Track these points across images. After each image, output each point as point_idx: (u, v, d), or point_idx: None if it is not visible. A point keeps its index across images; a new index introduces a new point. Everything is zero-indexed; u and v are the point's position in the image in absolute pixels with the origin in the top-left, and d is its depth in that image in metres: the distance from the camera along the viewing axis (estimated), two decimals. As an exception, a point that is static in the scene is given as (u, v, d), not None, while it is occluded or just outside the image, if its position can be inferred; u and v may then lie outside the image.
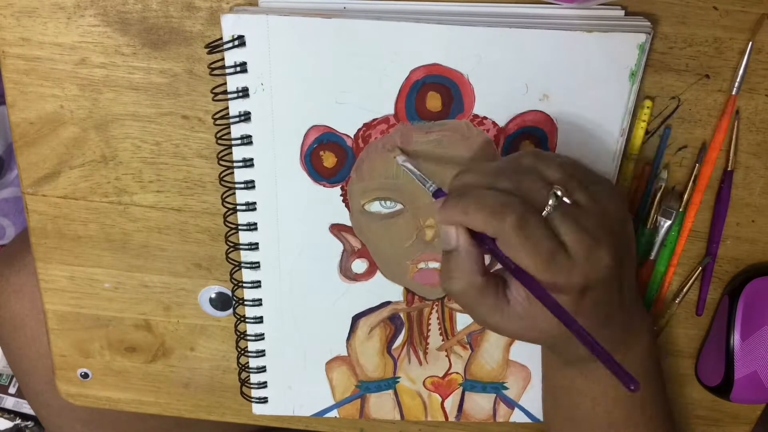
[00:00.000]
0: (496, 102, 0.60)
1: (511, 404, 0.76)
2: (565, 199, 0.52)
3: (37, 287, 0.75)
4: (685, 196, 0.66)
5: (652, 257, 0.69)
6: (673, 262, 0.69)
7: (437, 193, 0.57)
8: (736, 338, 0.69)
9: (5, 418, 1.28)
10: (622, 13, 0.59)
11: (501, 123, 0.61)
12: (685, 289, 0.70)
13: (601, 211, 0.53)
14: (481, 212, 0.51)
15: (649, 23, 0.58)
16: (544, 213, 0.51)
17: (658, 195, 0.66)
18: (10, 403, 1.29)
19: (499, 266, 0.54)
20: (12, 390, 1.29)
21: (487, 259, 0.56)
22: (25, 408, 1.29)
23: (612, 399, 0.61)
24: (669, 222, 0.67)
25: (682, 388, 0.76)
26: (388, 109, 0.61)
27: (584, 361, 0.59)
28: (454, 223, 0.54)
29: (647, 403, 0.63)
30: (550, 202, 0.51)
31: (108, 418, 0.91)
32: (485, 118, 0.61)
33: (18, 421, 1.28)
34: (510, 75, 0.59)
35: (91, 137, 0.66)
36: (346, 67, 0.59)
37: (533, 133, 0.61)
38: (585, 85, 0.59)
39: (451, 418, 0.77)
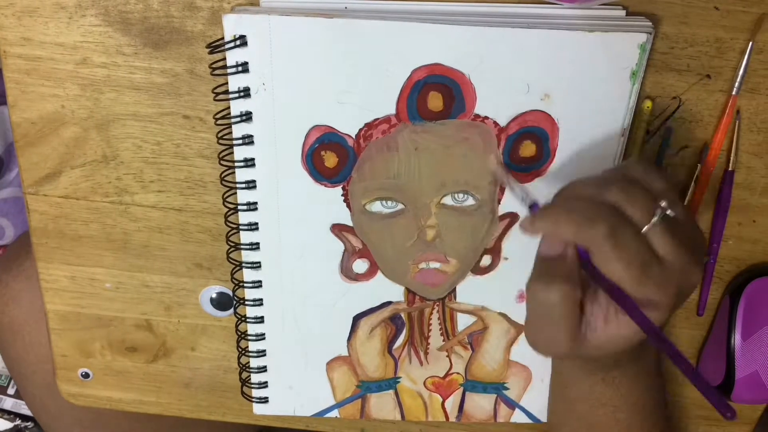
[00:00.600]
0: (497, 102, 0.60)
1: (512, 404, 0.76)
2: (669, 212, 0.51)
3: (36, 293, 0.75)
4: (687, 196, 0.66)
5: None
6: None
7: (533, 207, 0.57)
8: (737, 338, 0.69)
9: (5, 419, 1.27)
10: (623, 13, 0.59)
11: (502, 123, 0.61)
12: None
13: (694, 227, 0.54)
14: (573, 222, 0.51)
15: (650, 23, 0.58)
16: (649, 225, 0.50)
17: None
18: (9, 404, 1.29)
19: None
20: (11, 391, 1.29)
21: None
22: (24, 409, 1.28)
23: (631, 405, 0.61)
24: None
25: (683, 387, 0.76)
26: (390, 108, 0.61)
27: (608, 368, 0.58)
28: (544, 232, 0.54)
29: (659, 406, 0.64)
30: (657, 213, 0.51)
31: (106, 422, 0.91)
32: (486, 117, 0.61)
33: (18, 422, 1.28)
34: (511, 75, 0.59)
35: (92, 137, 0.66)
36: (348, 67, 0.59)
37: (534, 133, 0.61)
38: (586, 84, 0.59)
39: (452, 419, 0.77)
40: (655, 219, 0.50)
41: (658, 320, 0.51)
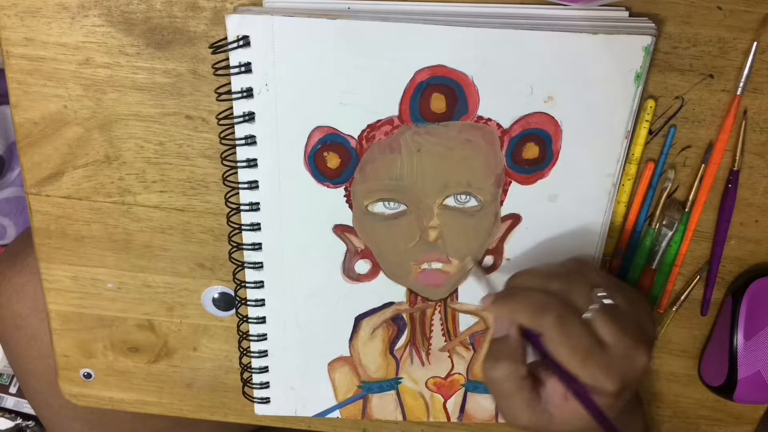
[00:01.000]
0: (500, 103, 0.60)
1: (514, 404, 0.76)
2: (607, 301, 0.57)
3: (38, 287, 0.75)
4: (691, 196, 0.66)
5: (654, 266, 0.69)
6: (678, 263, 0.69)
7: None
8: (739, 338, 0.69)
9: (6, 418, 1.28)
10: (626, 14, 0.59)
11: (505, 125, 0.61)
12: (683, 297, 0.71)
13: (636, 313, 0.59)
14: (527, 310, 0.57)
15: (653, 24, 0.58)
16: (588, 314, 0.56)
17: (664, 195, 0.66)
18: (10, 402, 1.29)
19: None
20: (13, 390, 1.29)
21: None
22: (26, 408, 1.29)
23: None
24: (671, 232, 0.67)
25: (686, 388, 0.76)
26: (393, 110, 0.61)
27: None
28: (502, 315, 0.60)
29: None
30: (595, 302, 0.57)
31: (108, 418, 0.91)
32: (489, 119, 0.61)
33: (19, 421, 1.28)
34: (514, 76, 0.59)
35: (94, 137, 0.66)
36: (351, 68, 0.59)
37: (538, 135, 0.61)
38: (590, 87, 0.59)
39: (454, 419, 0.77)
40: (593, 306, 0.57)
41: (605, 403, 0.56)
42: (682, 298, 0.71)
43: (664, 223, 0.66)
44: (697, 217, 0.67)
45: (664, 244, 0.67)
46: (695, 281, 0.70)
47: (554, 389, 0.58)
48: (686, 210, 0.66)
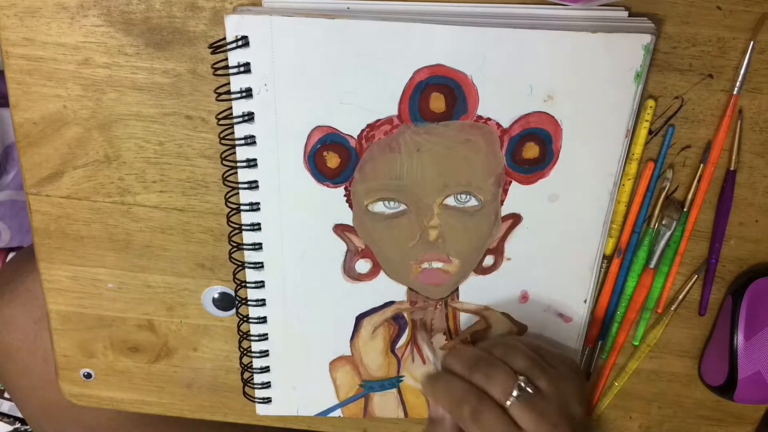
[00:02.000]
0: (500, 103, 0.60)
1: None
2: (528, 389, 0.60)
3: (28, 318, 0.75)
4: (689, 196, 0.66)
5: (652, 266, 0.69)
6: (676, 262, 0.69)
7: None
8: (739, 338, 0.69)
9: (4, 422, 1.27)
10: (625, 14, 0.59)
11: (505, 124, 0.61)
12: (680, 297, 0.71)
13: (560, 394, 0.61)
14: (446, 401, 0.62)
15: (652, 24, 0.58)
16: (509, 402, 0.59)
17: (663, 194, 0.66)
18: (6, 407, 1.29)
19: None
20: (8, 395, 1.29)
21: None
22: (25, 411, 1.29)
23: None
24: (669, 232, 0.67)
25: (686, 388, 0.76)
26: (392, 109, 0.61)
27: None
28: (429, 399, 0.66)
29: None
30: (514, 393, 0.60)
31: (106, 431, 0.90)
32: (489, 119, 0.61)
33: (17, 425, 1.28)
34: (514, 76, 0.59)
35: (94, 137, 0.66)
36: (350, 68, 0.59)
37: (538, 135, 0.61)
38: (590, 86, 0.59)
39: (455, 417, 0.77)
40: (512, 398, 0.59)
41: None
42: (680, 297, 0.71)
43: (663, 222, 0.67)
44: (695, 217, 0.67)
45: (662, 243, 0.67)
46: (693, 281, 0.70)
47: None
48: (685, 210, 0.66)
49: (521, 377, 0.60)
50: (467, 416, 0.59)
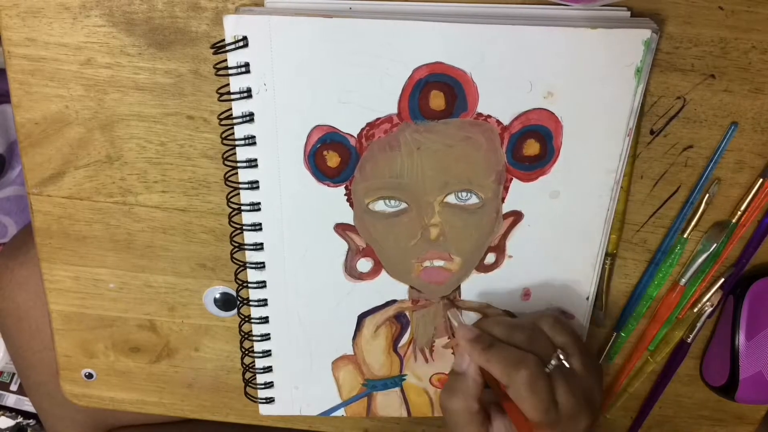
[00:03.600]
0: (499, 100, 0.60)
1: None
2: (565, 363, 0.62)
3: (41, 279, 0.75)
4: (743, 206, 0.66)
5: (683, 283, 0.69)
6: (707, 279, 0.70)
7: None
8: (741, 338, 0.69)
9: (7, 416, 1.28)
10: (627, 14, 0.59)
11: (505, 121, 0.61)
12: (705, 299, 0.71)
13: (589, 381, 0.63)
14: (501, 364, 0.61)
15: (654, 24, 0.58)
16: (548, 368, 0.61)
17: (702, 205, 0.66)
18: (11, 400, 1.29)
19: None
20: (14, 387, 1.29)
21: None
22: (27, 406, 1.29)
23: None
24: (706, 254, 0.67)
25: (687, 387, 0.76)
26: (391, 108, 0.61)
27: None
28: (477, 363, 0.63)
29: None
30: (552, 362, 0.61)
31: (108, 411, 0.91)
32: (489, 116, 0.61)
33: (20, 419, 1.28)
34: (514, 73, 0.59)
35: (96, 137, 0.66)
36: (349, 67, 0.59)
37: (538, 132, 0.61)
38: (590, 82, 0.59)
39: (457, 415, 0.77)
40: (550, 366, 0.61)
41: None
42: (704, 300, 0.71)
43: (708, 235, 0.67)
44: (742, 232, 0.67)
45: (699, 261, 0.68)
46: (715, 287, 0.70)
47: (500, 427, 0.63)
48: (734, 221, 0.67)
49: (560, 350, 0.62)
50: (524, 379, 0.59)
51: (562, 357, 0.62)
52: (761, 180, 0.65)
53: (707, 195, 0.66)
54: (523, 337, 0.63)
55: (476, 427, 0.63)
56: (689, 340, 0.72)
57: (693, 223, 0.67)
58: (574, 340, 0.64)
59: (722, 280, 0.69)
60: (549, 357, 0.62)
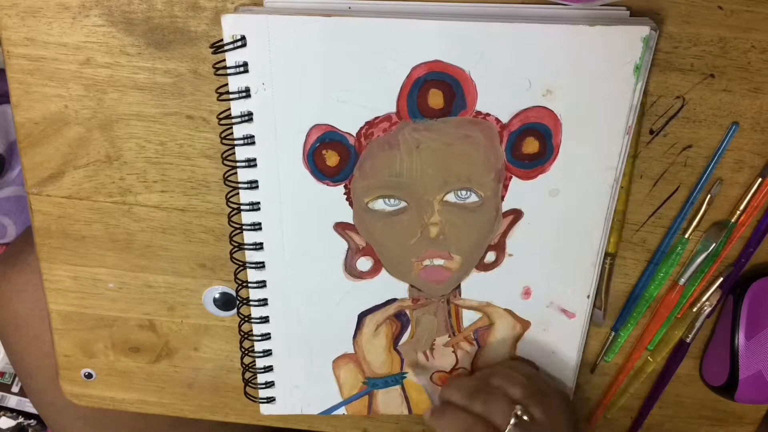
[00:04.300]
0: (498, 98, 0.60)
1: (518, 398, 0.76)
2: (524, 417, 0.63)
3: (39, 287, 0.75)
4: (742, 206, 0.66)
5: (682, 283, 0.69)
6: (706, 278, 0.69)
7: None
8: (740, 338, 0.69)
9: (8, 417, 1.28)
10: (627, 13, 0.59)
11: (504, 119, 0.61)
12: (703, 299, 0.71)
13: (553, 423, 0.64)
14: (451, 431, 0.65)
15: (653, 22, 0.58)
16: (507, 430, 0.63)
17: (704, 205, 0.66)
18: (13, 402, 1.29)
19: None
20: (15, 389, 1.29)
21: None
22: (28, 407, 1.29)
23: None
24: (705, 254, 0.67)
25: (687, 387, 0.76)
26: (390, 107, 0.61)
27: None
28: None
29: None
30: (512, 421, 0.63)
31: (111, 417, 0.91)
32: (488, 114, 0.61)
33: (21, 420, 1.28)
34: (512, 71, 0.59)
35: (95, 137, 0.66)
36: (347, 66, 0.59)
37: (537, 129, 0.61)
38: (589, 80, 0.59)
39: (459, 412, 0.77)
40: (509, 426, 0.62)
41: None
42: (703, 299, 0.70)
43: (707, 234, 0.67)
44: (741, 231, 0.67)
45: (698, 261, 0.68)
46: (714, 287, 0.70)
47: None
48: (732, 221, 0.67)
49: (518, 406, 0.64)
50: None
51: (519, 413, 0.63)
52: (760, 179, 0.65)
53: (708, 195, 0.66)
54: (479, 403, 0.65)
55: None
56: (688, 340, 0.72)
57: (694, 224, 0.67)
58: (531, 388, 0.66)
59: (720, 279, 0.69)
60: (508, 417, 0.63)
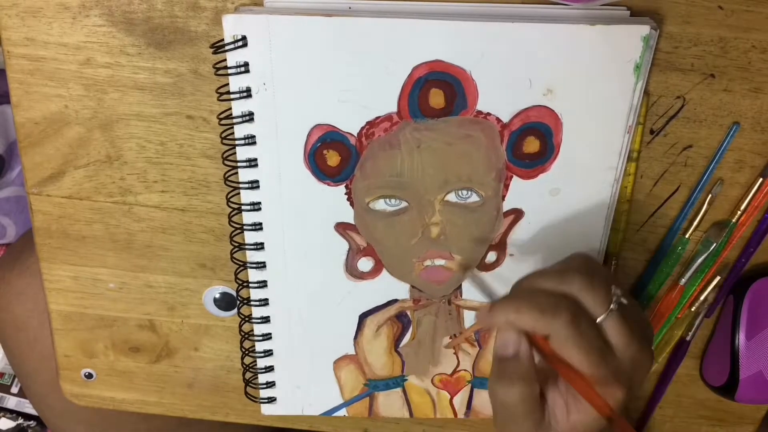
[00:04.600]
0: (499, 98, 0.60)
1: (520, 399, 0.75)
2: (624, 300, 0.54)
3: (39, 289, 0.75)
4: (743, 206, 0.66)
5: (682, 283, 0.69)
6: (706, 278, 0.69)
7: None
8: (741, 338, 0.69)
9: (8, 418, 1.28)
10: (627, 13, 0.59)
11: (505, 119, 0.61)
12: (702, 297, 0.71)
13: (642, 316, 0.57)
14: (534, 310, 0.53)
15: (653, 22, 0.58)
16: (605, 313, 0.53)
17: (705, 205, 0.66)
18: (12, 403, 1.29)
19: None
20: (14, 390, 1.29)
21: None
22: (28, 408, 1.29)
23: None
24: (706, 254, 0.67)
25: (687, 387, 0.76)
26: (391, 106, 0.61)
27: None
28: (505, 321, 0.54)
29: None
30: (613, 301, 0.53)
31: (110, 420, 0.91)
32: (489, 114, 0.61)
33: (21, 421, 1.28)
34: (513, 70, 0.59)
35: (95, 137, 0.66)
36: (348, 66, 0.59)
37: (538, 129, 0.61)
38: (589, 79, 0.59)
39: (460, 415, 0.77)
40: (612, 306, 0.53)
41: (614, 406, 0.53)
42: (702, 298, 0.71)
43: (708, 234, 0.67)
44: (742, 231, 0.67)
45: (699, 261, 0.68)
46: (713, 284, 0.70)
47: (556, 402, 0.55)
48: (733, 221, 0.67)
49: (616, 288, 0.54)
50: (565, 321, 0.51)
51: (620, 295, 0.54)
52: (761, 179, 0.65)
53: (709, 195, 0.66)
54: (579, 282, 0.54)
55: (538, 414, 0.55)
56: (688, 338, 0.72)
57: (695, 224, 0.67)
58: (613, 274, 0.59)
59: (718, 278, 0.69)
60: (608, 299, 0.53)
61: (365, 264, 0.68)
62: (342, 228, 0.66)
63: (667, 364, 0.74)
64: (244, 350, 0.74)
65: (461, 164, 0.63)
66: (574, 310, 0.52)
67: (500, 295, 0.60)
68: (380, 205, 0.65)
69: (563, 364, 0.53)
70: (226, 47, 0.59)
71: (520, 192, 0.64)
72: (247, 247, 0.67)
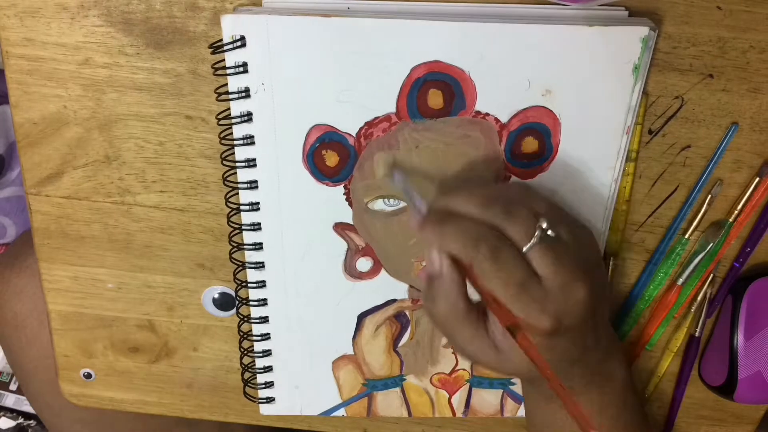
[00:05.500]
0: (498, 98, 0.60)
1: (519, 399, 0.75)
2: (549, 232, 0.53)
3: (38, 288, 0.75)
4: (740, 205, 0.66)
5: (680, 283, 0.69)
6: (703, 277, 0.69)
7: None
8: (739, 338, 0.69)
9: (7, 417, 1.28)
10: (625, 13, 0.59)
11: (503, 119, 0.61)
12: (700, 297, 0.71)
13: (579, 249, 0.55)
14: (458, 239, 0.53)
15: (652, 22, 0.58)
16: (528, 245, 0.53)
17: (704, 205, 0.66)
18: (11, 400, 1.29)
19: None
20: (13, 387, 1.29)
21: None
22: (26, 405, 1.29)
23: None
24: (703, 253, 0.67)
25: (687, 387, 0.76)
26: (390, 107, 0.61)
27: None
28: (431, 243, 0.55)
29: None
30: (536, 233, 0.53)
31: (109, 419, 0.91)
32: (487, 114, 0.61)
33: (21, 420, 1.28)
34: (512, 71, 0.59)
35: (94, 137, 0.66)
36: (347, 66, 0.59)
37: (536, 129, 0.61)
38: (588, 80, 0.59)
39: (459, 414, 0.77)
40: (534, 240, 0.53)
41: (541, 342, 0.53)
42: (699, 298, 0.71)
43: (705, 234, 0.67)
44: (739, 231, 0.67)
45: (696, 261, 0.68)
46: (707, 283, 0.70)
47: (496, 324, 0.55)
48: (731, 220, 0.66)
49: (543, 219, 0.53)
50: (483, 254, 0.52)
51: (545, 226, 0.53)
52: (758, 179, 0.65)
53: (709, 195, 0.66)
54: (499, 213, 0.54)
55: (471, 328, 0.55)
56: (697, 334, 0.72)
57: (694, 224, 0.67)
58: (556, 208, 0.58)
59: (711, 276, 0.69)
60: (531, 230, 0.53)
61: (364, 264, 0.68)
62: (341, 228, 0.66)
63: (681, 365, 0.74)
64: (242, 350, 0.74)
65: (460, 165, 0.63)
66: (494, 243, 0.52)
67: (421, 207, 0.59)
68: (379, 205, 0.65)
69: (485, 291, 0.53)
70: (225, 47, 0.59)
71: (519, 192, 0.64)
72: (245, 247, 0.67)
